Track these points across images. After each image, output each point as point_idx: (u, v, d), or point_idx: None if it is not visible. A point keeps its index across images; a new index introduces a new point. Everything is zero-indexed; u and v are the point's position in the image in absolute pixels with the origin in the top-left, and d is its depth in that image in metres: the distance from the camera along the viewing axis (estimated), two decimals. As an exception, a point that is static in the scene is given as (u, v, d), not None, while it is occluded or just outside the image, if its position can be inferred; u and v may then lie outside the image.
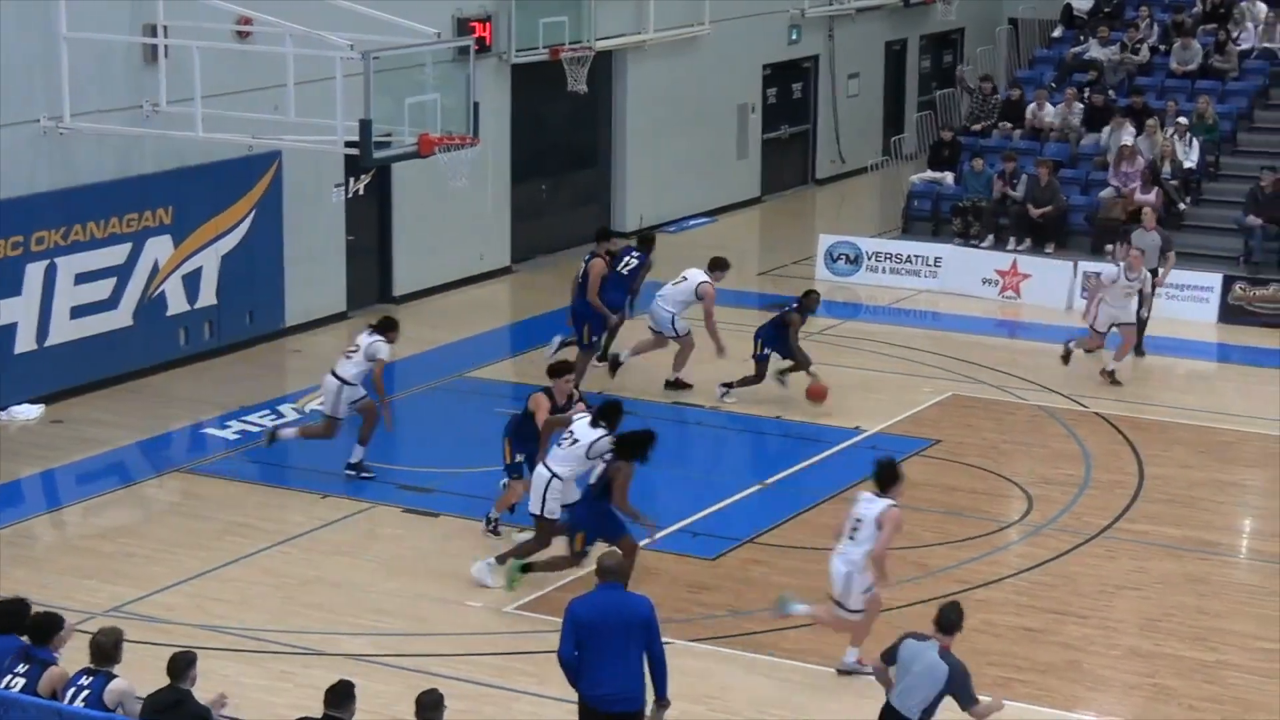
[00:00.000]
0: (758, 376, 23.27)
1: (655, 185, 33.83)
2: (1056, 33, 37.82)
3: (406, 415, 23.86)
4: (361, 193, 27.64)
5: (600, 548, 16.33)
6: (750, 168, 36.54)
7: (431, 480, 20.61)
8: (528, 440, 18.37)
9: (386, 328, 20.56)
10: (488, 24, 29.22)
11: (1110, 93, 33.70)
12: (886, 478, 15.63)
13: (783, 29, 37.00)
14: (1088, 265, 29.31)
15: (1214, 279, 28.38)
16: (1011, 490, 20.64)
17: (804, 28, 37.43)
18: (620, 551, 13.88)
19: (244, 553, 18.48)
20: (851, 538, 15.54)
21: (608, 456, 16.87)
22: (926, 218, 32.71)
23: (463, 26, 28.57)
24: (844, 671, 15.86)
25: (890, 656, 13.21)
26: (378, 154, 22.36)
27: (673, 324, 23.88)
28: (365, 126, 21.67)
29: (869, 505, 15.54)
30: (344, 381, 20.31)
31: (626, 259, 24.58)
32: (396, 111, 22.21)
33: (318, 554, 18.56)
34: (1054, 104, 33.69)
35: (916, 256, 30.46)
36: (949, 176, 32.91)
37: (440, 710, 12.11)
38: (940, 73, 42.43)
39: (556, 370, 18.63)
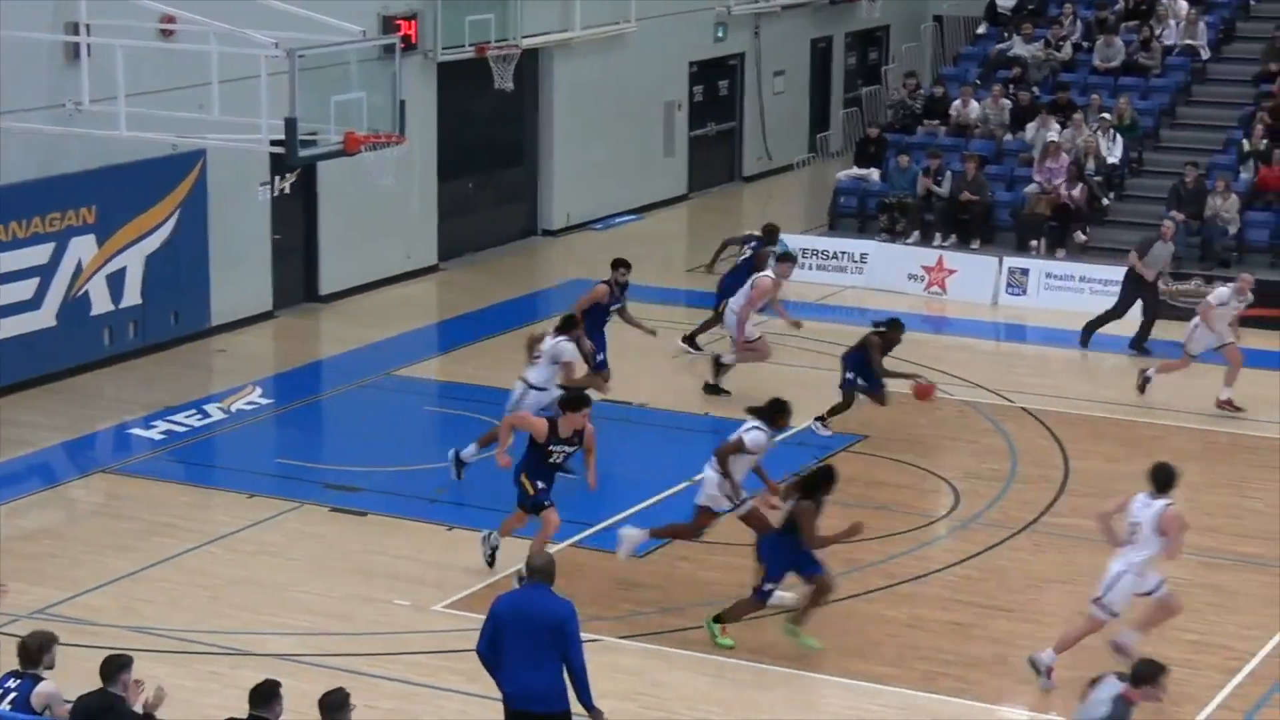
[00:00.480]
0: (845, 404, 22.43)
1: (582, 183, 33.79)
2: (981, 29, 37.99)
3: (334, 413, 23.83)
4: (287, 191, 27.51)
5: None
6: (677, 165, 36.57)
7: (359, 479, 20.54)
8: (538, 467, 17.28)
9: (568, 326, 20.55)
10: (413, 22, 29.12)
11: (1035, 89, 33.89)
12: (1164, 479, 15.49)
13: (709, 26, 37.02)
14: (1013, 261, 29.57)
15: (1138, 274, 28.57)
16: (939, 485, 20.72)
17: (730, 25, 37.47)
18: (549, 554, 13.58)
19: (170, 553, 18.37)
20: (1131, 542, 15.47)
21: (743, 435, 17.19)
22: (853, 214, 32.82)
23: (388, 24, 28.47)
24: (1036, 668, 15.85)
25: (1093, 683, 12.91)
26: (303, 152, 22.29)
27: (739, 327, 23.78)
28: (290, 125, 21.59)
29: (1145, 508, 15.44)
30: (530, 385, 20.29)
31: (745, 248, 25.62)
32: (322, 110, 22.13)
33: (245, 554, 18.47)
34: (979, 100, 33.86)
35: (843, 253, 30.59)
36: (875, 173, 33.03)
37: (346, 710, 11.97)
38: (866, 70, 42.56)
39: (574, 403, 17.27)
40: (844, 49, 41.81)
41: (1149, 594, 15.63)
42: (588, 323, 22.15)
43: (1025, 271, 29.37)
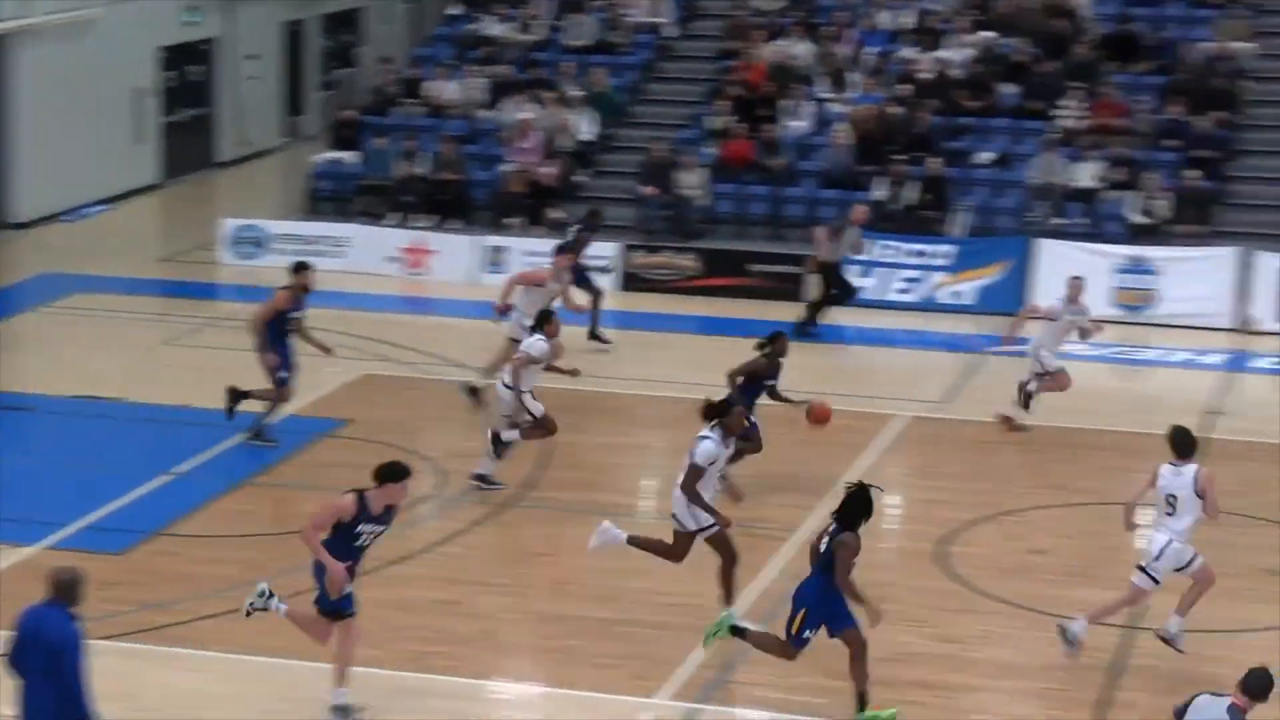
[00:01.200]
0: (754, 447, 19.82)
1: (51, 173, 32.86)
2: (454, 10, 38.21)
3: None
4: None
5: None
6: (149, 152, 35.90)
7: None
8: (340, 558, 14.24)
9: (543, 321, 19.75)
10: None
11: (509, 68, 34.31)
12: (1187, 444, 15.47)
13: (179, 11, 36.41)
14: (493, 240, 29.93)
15: (612, 249, 29.26)
16: (424, 465, 20.81)
17: (202, 9, 36.93)
18: (76, 570, 12.57)
19: None
20: (1170, 513, 15.37)
21: (696, 459, 15.90)
22: (332, 198, 32.71)
23: None
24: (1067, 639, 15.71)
25: (1180, 713, 12.12)
26: None
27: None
28: None
29: (1177, 476, 15.36)
30: (507, 386, 19.64)
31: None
32: None
33: None
34: (455, 81, 34.10)
35: (322, 237, 30.49)
36: (353, 156, 32.99)
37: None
38: (341, 52, 42.46)
39: (392, 473, 14.45)
40: (318, 32, 41.63)
41: (1185, 568, 15.60)
42: (269, 334, 20.98)
43: (504, 249, 29.77)
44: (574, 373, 20.65)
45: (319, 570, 14.29)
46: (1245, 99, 32.26)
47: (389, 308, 27.78)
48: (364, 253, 30.05)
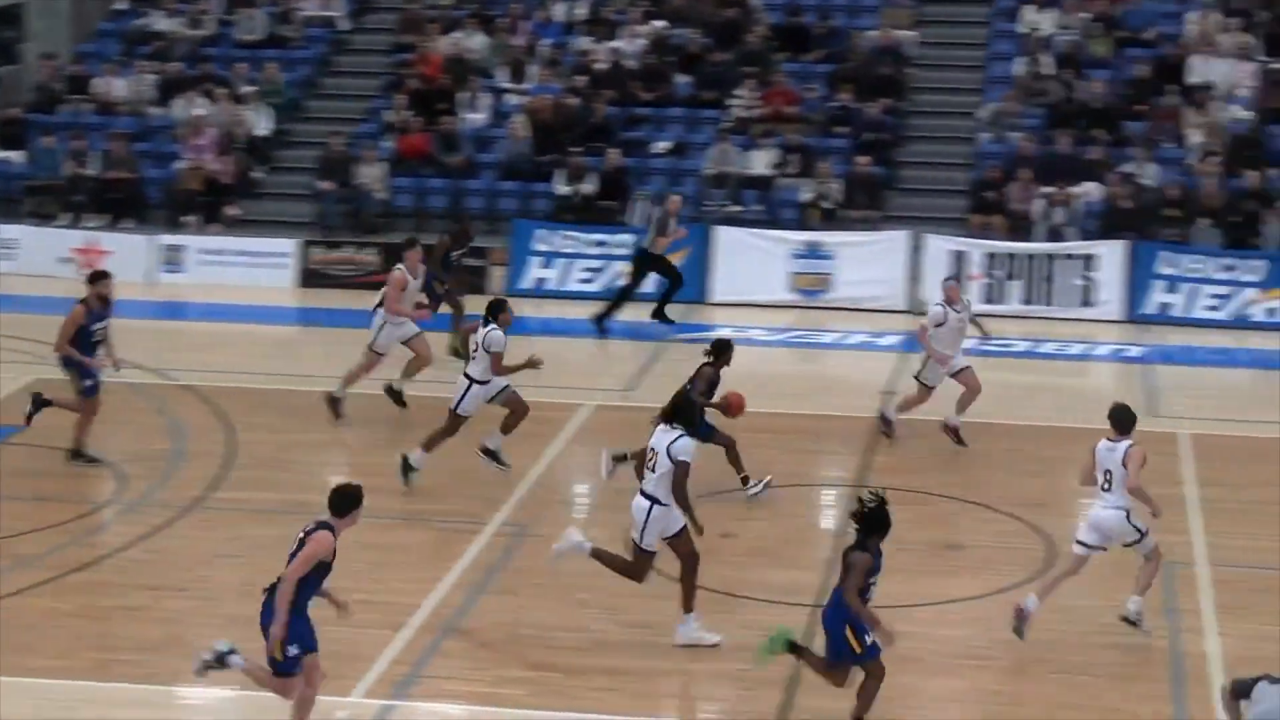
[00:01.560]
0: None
1: None
2: (121, 4, 37.45)
3: None
4: None
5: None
6: None
7: None
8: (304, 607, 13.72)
9: (496, 311, 19.10)
10: None
11: (179, 64, 33.76)
12: (1125, 421, 15.71)
13: None
14: (169, 239, 29.44)
15: (291, 245, 28.98)
16: (102, 470, 20.39)
17: None
18: None
19: None
20: (1107, 489, 15.60)
21: (682, 457, 15.30)
22: (-3, 199, 31.92)
23: None
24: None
25: (1243, 691, 11.71)
26: None
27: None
28: None
29: (1111, 452, 15.61)
30: (474, 380, 19.30)
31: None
32: None
33: None
34: (124, 77, 33.45)
35: (-12, 239, 29.74)
36: (18, 155, 32.17)
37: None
38: (2, 49, 41.26)
39: (357, 499, 13.76)
40: (-21, 28, 40.47)
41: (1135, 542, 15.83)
42: (78, 349, 20.16)
43: (180, 248, 29.29)
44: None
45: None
46: (910, 86, 33.11)
47: (62, 310, 26.86)
48: (34, 254, 29.34)
